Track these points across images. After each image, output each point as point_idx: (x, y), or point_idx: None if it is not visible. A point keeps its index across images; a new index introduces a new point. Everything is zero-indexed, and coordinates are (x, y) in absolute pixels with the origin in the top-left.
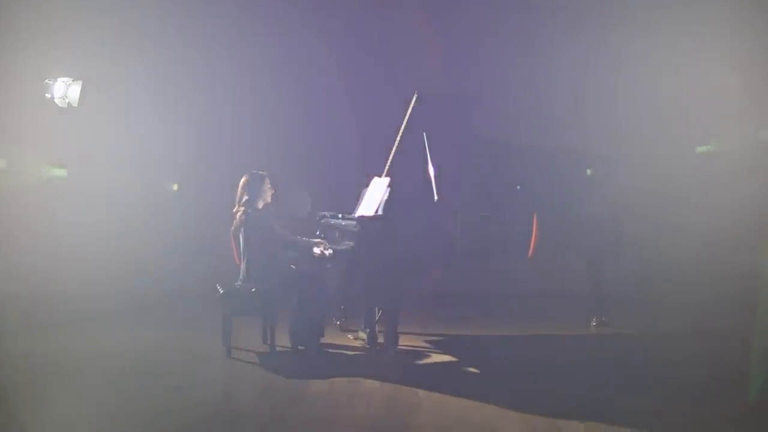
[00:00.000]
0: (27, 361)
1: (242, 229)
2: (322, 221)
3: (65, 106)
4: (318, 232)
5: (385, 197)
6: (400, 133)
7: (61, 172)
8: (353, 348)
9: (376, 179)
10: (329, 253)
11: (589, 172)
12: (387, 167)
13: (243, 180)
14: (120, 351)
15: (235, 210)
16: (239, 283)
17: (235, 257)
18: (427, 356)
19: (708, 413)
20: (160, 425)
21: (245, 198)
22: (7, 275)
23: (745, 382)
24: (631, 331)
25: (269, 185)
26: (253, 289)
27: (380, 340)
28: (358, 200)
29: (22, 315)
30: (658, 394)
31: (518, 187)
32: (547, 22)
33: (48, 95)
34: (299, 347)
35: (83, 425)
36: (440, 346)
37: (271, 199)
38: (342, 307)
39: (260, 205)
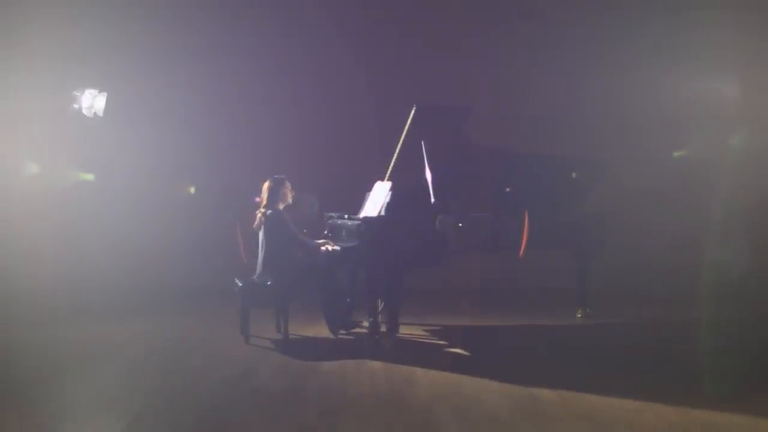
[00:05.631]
0: (65, 345)
1: (262, 227)
2: (329, 221)
3: (92, 115)
4: (326, 231)
5: (387, 200)
6: (400, 142)
7: (89, 176)
8: (359, 335)
9: (378, 183)
10: (334, 249)
11: (574, 175)
12: (389, 172)
13: (266, 184)
14: (146, 338)
15: (257, 210)
16: (256, 277)
17: (241, 253)
18: (424, 342)
19: (675, 387)
20: (190, 397)
21: (267, 199)
22: (41, 270)
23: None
24: (612, 321)
25: (289, 188)
26: (269, 283)
27: (382, 328)
28: (362, 202)
29: (55, 305)
30: (630, 371)
31: (507, 189)
32: (537, 31)
33: (76, 106)
34: (341, 331)
35: (121, 399)
36: (436, 334)
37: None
38: (348, 299)
39: (280, 206)
